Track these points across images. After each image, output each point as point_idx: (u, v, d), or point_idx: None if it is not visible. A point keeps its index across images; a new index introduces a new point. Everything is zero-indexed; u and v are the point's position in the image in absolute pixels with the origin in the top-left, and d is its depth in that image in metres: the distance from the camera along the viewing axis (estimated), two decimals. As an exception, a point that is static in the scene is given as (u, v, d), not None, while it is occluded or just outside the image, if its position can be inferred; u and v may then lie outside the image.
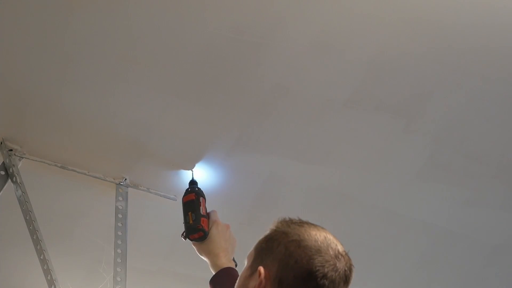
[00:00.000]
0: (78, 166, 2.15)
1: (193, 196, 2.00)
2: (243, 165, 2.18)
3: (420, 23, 1.87)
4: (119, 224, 2.14)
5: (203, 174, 2.16)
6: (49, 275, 2.01)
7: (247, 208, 2.30)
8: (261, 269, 1.30)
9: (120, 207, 2.17)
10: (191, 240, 1.92)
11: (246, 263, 1.38)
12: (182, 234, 1.94)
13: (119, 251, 2.12)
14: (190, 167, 2.15)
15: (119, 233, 2.14)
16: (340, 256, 1.31)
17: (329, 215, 2.36)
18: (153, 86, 1.96)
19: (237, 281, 1.37)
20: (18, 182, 2.06)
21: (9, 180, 2.08)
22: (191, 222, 1.93)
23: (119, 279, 2.08)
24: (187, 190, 2.04)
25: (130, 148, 2.11)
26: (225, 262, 1.83)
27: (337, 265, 1.30)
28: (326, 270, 1.29)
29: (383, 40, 1.90)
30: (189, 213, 1.95)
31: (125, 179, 2.20)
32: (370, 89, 2.02)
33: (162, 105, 2.01)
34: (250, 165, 2.18)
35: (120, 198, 2.18)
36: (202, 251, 1.90)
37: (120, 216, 2.16)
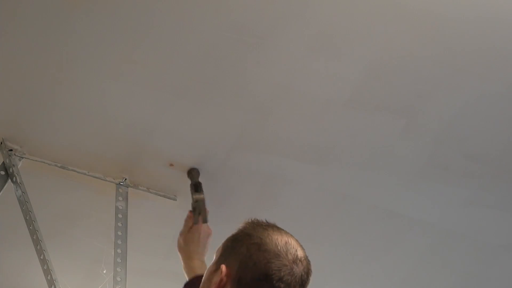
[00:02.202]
0: (78, 166, 2.15)
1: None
2: (243, 165, 2.18)
3: (420, 23, 1.87)
4: (119, 224, 2.15)
5: (203, 174, 2.16)
6: (49, 275, 2.01)
7: (247, 208, 2.30)
8: (223, 267, 1.40)
9: (120, 207, 2.17)
10: None
11: (214, 257, 1.47)
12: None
13: (119, 251, 2.12)
14: (190, 167, 2.15)
15: (119, 233, 2.14)
16: (298, 261, 1.40)
17: (329, 215, 2.36)
18: (153, 86, 1.96)
19: (204, 273, 1.46)
20: (18, 182, 2.06)
21: (9, 180, 2.08)
22: None
23: (119, 279, 2.08)
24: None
25: (130, 148, 2.11)
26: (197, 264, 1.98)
27: (294, 269, 1.39)
28: (282, 274, 1.38)
29: (383, 40, 1.90)
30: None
31: (125, 179, 2.20)
32: (370, 89, 2.02)
33: (162, 105, 2.01)
34: (250, 165, 2.18)
35: (120, 198, 2.18)
36: (186, 245, 2.04)
37: (120, 216, 2.16)
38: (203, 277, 1.46)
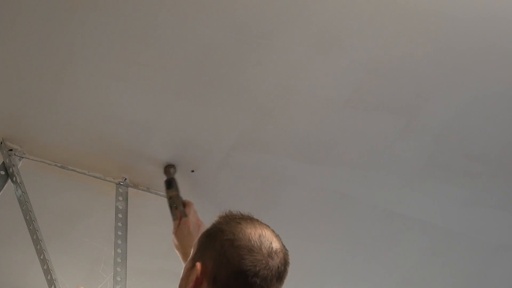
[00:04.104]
0: (78, 166, 2.15)
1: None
2: (243, 165, 2.18)
3: (420, 23, 1.87)
4: (119, 224, 2.14)
5: (203, 174, 2.16)
6: (49, 275, 2.01)
7: (247, 208, 2.29)
8: (198, 265, 1.36)
9: (120, 207, 2.17)
10: None
11: (191, 251, 1.43)
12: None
13: (119, 251, 2.12)
14: (190, 167, 2.15)
15: (119, 233, 2.14)
16: (273, 254, 1.35)
17: (329, 215, 2.36)
18: (153, 86, 1.96)
19: (182, 270, 1.42)
20: (18, 182, 2.06)
21: (9, 180, 2.08)
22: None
23: (119, 279, 2.08)
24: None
25: (130, 148, 2.11)
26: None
27: (270, 263, 1.34)
28: (257, 269, 1.33)
29: (383, 40, 1.90)
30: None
31: (125, 179, 2.20)
32: (370, 89, 2.02)
33: (162, 105, 2.01)
34: (250, 165, 2.18)
35: (120, 198, 2.18)
36: (180, 242, 2.03)
37: (120, 216, 2.16)
38: (182, 273, 1.42)
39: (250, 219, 1.41)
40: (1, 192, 2.06)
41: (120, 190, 2.19)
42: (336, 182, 2.26)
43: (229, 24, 1.84)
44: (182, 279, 1.41)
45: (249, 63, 1.93)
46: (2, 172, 2.08)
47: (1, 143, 2.07)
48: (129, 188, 2.21)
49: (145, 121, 2.04)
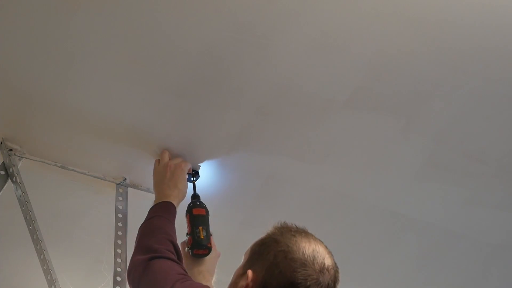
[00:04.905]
0: (78, 166, 2.15)
1: (204, 211, 2.02)
2: (243, 165, 2.18)
3: (420, 23, 1.87)
4: (119, 224, 2.14)
5: (203, 174, 2.16)
6: (49, 275, 2.01)
7: (247, 208, 2.30)
8: (250, 272, 1.40)
9: (120, 207, 2.17)
10: (194, 254, 1.94)
11: (242, 259, 1.47)
12: (187, 245, 1.95)
13: (119, 251, 2.11)
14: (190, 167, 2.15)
15: (119, 233, 2.13)
16: (325, 271, 1.39)
17: (329, 215, 2.36)
18: (153, 86, 1.96)
19: (232, 276, 1.46)
20: (18, 182, 2.06)
21: (9, 180, 2.08)
22: (201, 237, 1.95)
23: (119, 279, 2.08)
24: (194, 202, 2.04)
25: (130, 148, 2.11)
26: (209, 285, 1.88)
27: (320, 279, 1.38)
28: (308, 283, 1.37)
29: (383, 40, 1.90)
30: (200, 228, 1.97)
31: (125, 179, 2.20)
32: (370, 89, 2.02)
33: (162, 105, 2.01)
34: (250, 165, 2.18)
35: (120, 198, 2.18)
36: (193, 266, 1.93)
37: (120, 216, 2.16)
38: (231, 279, 1.46)
39: (305, 233, 1.45)
40: (1, 192, 2.06)
41: (120, 190, 2.19)
42: (336, 182, 2.26)
43: (229, 24, 1.84)
44: (231, 284, 1.45)
45: (249, 63, 1.93)
46: (2, 172, 2.08)
47: (1, 143, 2.07)
48: (129, 188, 2.21)
49: (145, 121, 2.04)
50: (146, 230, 1.83)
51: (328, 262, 1.41)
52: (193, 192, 2.09)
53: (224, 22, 1.84)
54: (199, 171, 2.14)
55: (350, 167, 2.21)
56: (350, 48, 1.91)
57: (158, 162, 2.06)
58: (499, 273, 2.60)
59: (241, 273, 1.43)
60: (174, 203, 1.94)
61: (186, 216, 2.01)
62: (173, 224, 1.88)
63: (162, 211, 1.90)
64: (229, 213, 2.32)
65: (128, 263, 2.12)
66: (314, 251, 1.40)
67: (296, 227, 1.46)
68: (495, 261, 2.56)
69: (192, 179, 2.14)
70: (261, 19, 1.84)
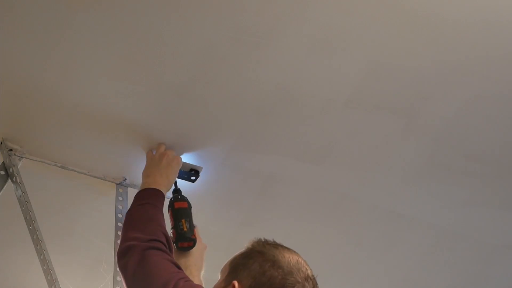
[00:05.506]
0: (78, 166, 2.15)
1: (186, 204, 2.01)
2: (243, 165, 2.18)
3: (420, 23, 1.87)
4: (119, 224, 2.14)
5: (203, 174, 2.16)
6: (49, 275, 2.01)
7: (247, 208, 2.30)
8: (236, 283, 1.44)
9: (120, 207, 2.17)
10: (179, 248, 1.93)
11: (219, 276, 1.51)
12: (172, 239, 1.92)
13: (119, 251, 2.12)
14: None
15: (119, 233, 2.13)
16: (309, 279, 1.47)
17: (329, 215, 2.36)
18: (153, 86, 1.96)
19: None
20: (18, 182, 2.06)
21: (9, 180, 2.08)
22: (185, 229, 1.95)
23: (119, 279, 2.08)
24: (176, 197, 2.03)
25: (130, 148, 2.11)
26: (196, 280, 1.88)
27: (306, 286, 1.45)
28: None
29: (383, 40, 1.90)
30: (183, 221, 1.96)
31: (125, 179, 2.20)
32: (370, 89, 2.02)
33: (162, 105, 2.01)
34: (250, 165, 2.18)
35: (120, 198, 2.18)
36: (179, 260, 1.89)
37: (120, 216, 2.16)
38: None
39: (282, 246, 1.52)
40: (1, 192, 2.06)
41: (120, 190, 2.19)
42: (336, 182, 2.26)
43: (229, 24, 1.84)
44: None
45: (249, 63, 1.93)
46: (2, 172, 2.08)
47: (1, 143, 2.07)
48: (129, 188, 2.21)
49: (145, 121, 2.04)
50: (142, 217, 1.82)
51: (310, 272, 1.48)
52: (173, 187, 2.07)
53: (224, 22, 1.83)
54: (199, 171, 2.14)
55: (350, 167, 2.21)
56: (350, 48, 1.91)
57: (151, 152, 2.06)
58: (499, 273, 2.60)
59: (223, 286, 1.47)
60: (163, 192, 1.94)
61: (168, 210, 2.00)
62: (163, 215, 1.88)
63: (155, 199, 1.89)
64: (229, 213, 2.32)
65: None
66: (298, 262, 1.48)
67: (274, 241, 1.53)
68: (495, 261, 2.56)
69: (192, 178, 2.14)
70: (260, 19, 1.84)
